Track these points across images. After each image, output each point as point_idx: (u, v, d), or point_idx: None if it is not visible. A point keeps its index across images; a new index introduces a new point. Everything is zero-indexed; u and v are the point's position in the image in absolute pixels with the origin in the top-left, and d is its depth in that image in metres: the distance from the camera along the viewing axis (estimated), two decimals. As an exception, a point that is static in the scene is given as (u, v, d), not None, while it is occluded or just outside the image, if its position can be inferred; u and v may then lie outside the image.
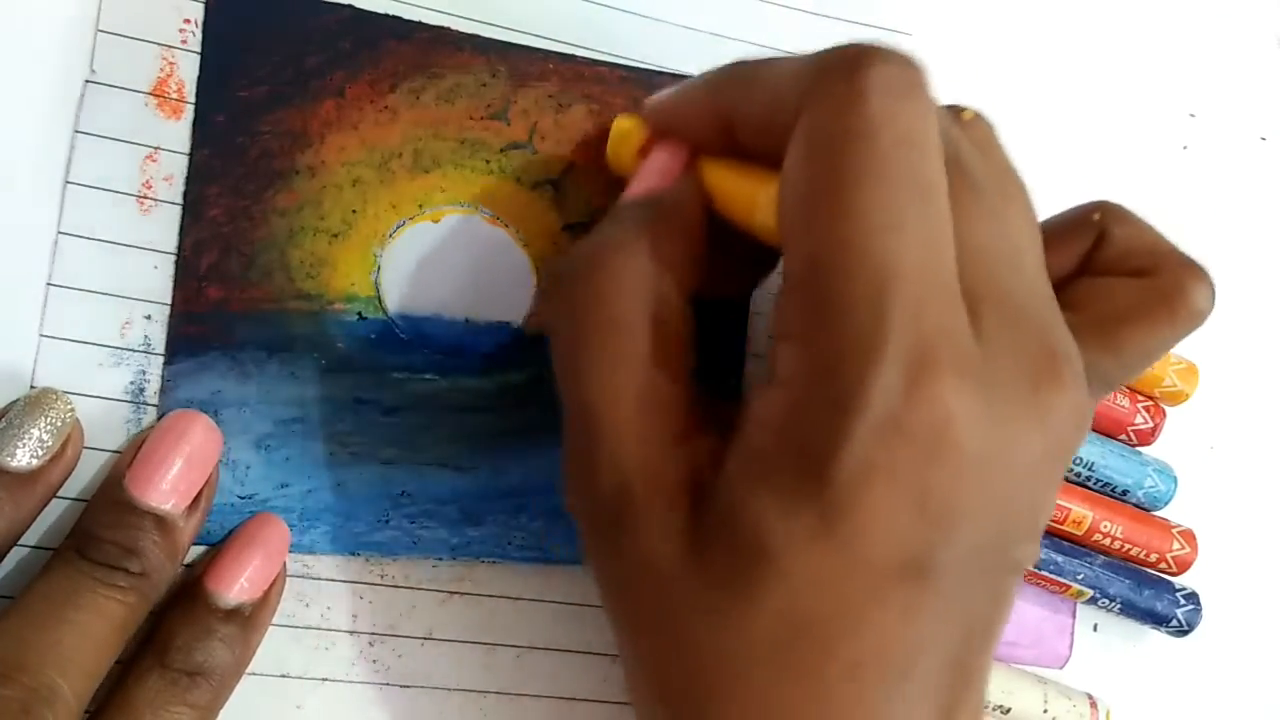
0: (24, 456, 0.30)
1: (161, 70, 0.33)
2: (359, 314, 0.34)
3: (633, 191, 0.31)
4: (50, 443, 0.30)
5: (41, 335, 0.32)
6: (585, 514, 0.29)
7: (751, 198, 0.28)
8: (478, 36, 0.35)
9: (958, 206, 0.25)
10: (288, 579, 0.34)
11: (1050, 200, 0.40)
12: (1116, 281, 0.31)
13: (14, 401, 0.31)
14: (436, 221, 0.35)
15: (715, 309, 0.32)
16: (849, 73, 0.24)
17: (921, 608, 0.24)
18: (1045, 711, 0.39)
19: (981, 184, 0.26)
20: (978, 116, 0.29)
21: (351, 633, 0.35)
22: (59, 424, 0.30)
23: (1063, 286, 0.31)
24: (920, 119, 0.25)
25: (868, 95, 0.24)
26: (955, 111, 0.29)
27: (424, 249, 0.35)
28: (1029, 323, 0.25)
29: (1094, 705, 0.39)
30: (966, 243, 0.25)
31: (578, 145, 0.36)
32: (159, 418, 0.32)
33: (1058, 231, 0.32)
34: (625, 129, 0.33)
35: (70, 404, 0.31)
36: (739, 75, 0.29)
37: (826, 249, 0.24)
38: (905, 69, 0.25)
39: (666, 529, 0.26)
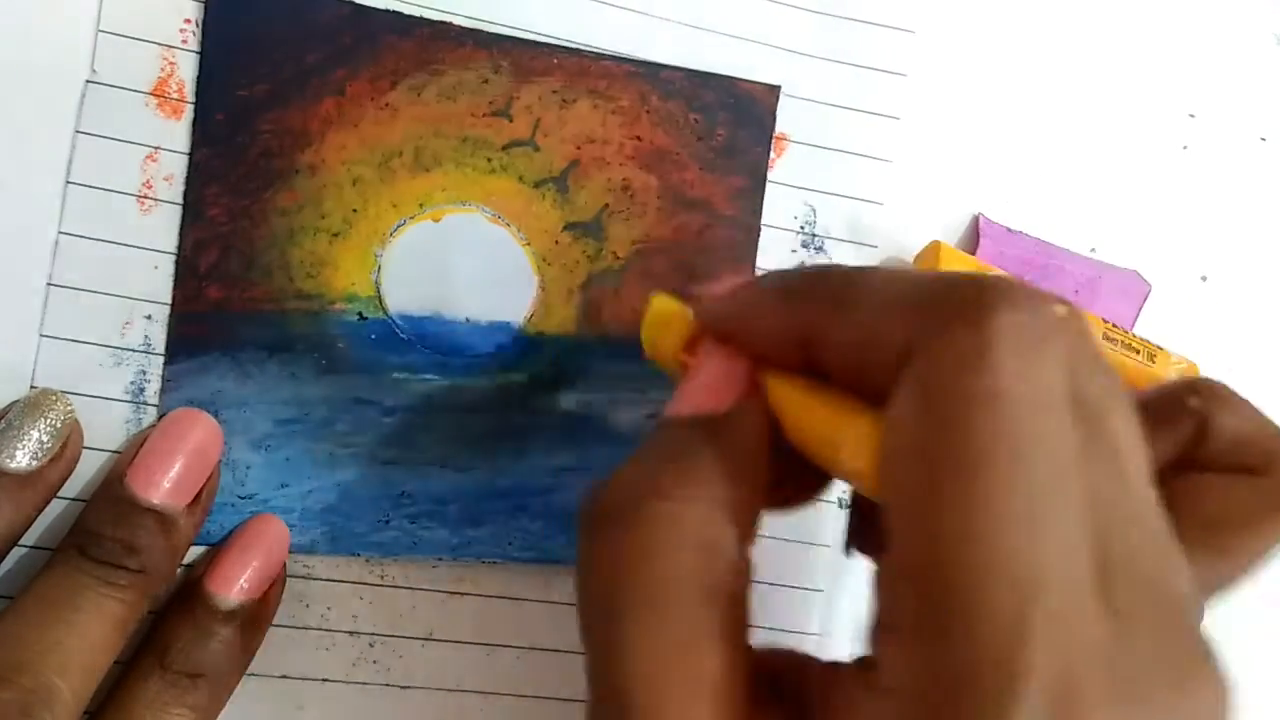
0: (23, 458, 0.30)
1: (162, 70, 0.33)
2: (359, 314, 0.34)
3: (682, 407, 0.26)
4: (49, 444, 0.30)
5: (42, 335, 0.32)
6: None
7: (836, 433, 0.24)
8: (480, 32, 0.35)
9: (1086, 459, 0.21)
10: (288, 579, 0.34)
11: (1050, 200, 0.41)
12: (1224, 480, 0.28)
13: (13, 403, 0.31)
14: (437, 221, 0.35)
15: None
16: (974, 319, 0.21)
17: None
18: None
19: (1097, 420, 0.22)
20: (1070, 312, 0.23)
21: (352, 633, 0.35)
22: (58, 425, 0.30)
23: (1163, 483, 0.25)
24: (1056, 377, 0.21)
25: (999, 349, 0.20)
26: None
27: (425, 248, 0.35)
28: (1163, 598, 0.21)
29: None
30: (1095, 503, 0.21)
31: (582, 142, 0.36)
32: (159, 418, 0.32)
33: (1153, 416, 0.27)
34: (667, 313, 0.28)
35: (69, 405, 0.31)
36: (828, 290, 0.25)
37: (954, 540, 0.20)
38: (1038, 314, 0.21)
39: None
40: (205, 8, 0.33)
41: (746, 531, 0.24)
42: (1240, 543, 0.27)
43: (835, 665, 0.23)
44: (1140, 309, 0.41)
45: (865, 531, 0.27)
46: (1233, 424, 0.28)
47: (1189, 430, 0.28)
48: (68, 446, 0.31)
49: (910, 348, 0.22)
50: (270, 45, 0.33)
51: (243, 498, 0.33)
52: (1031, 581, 0.19)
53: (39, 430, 0.30)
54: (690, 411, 0.25)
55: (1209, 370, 0.40)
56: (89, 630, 0.29)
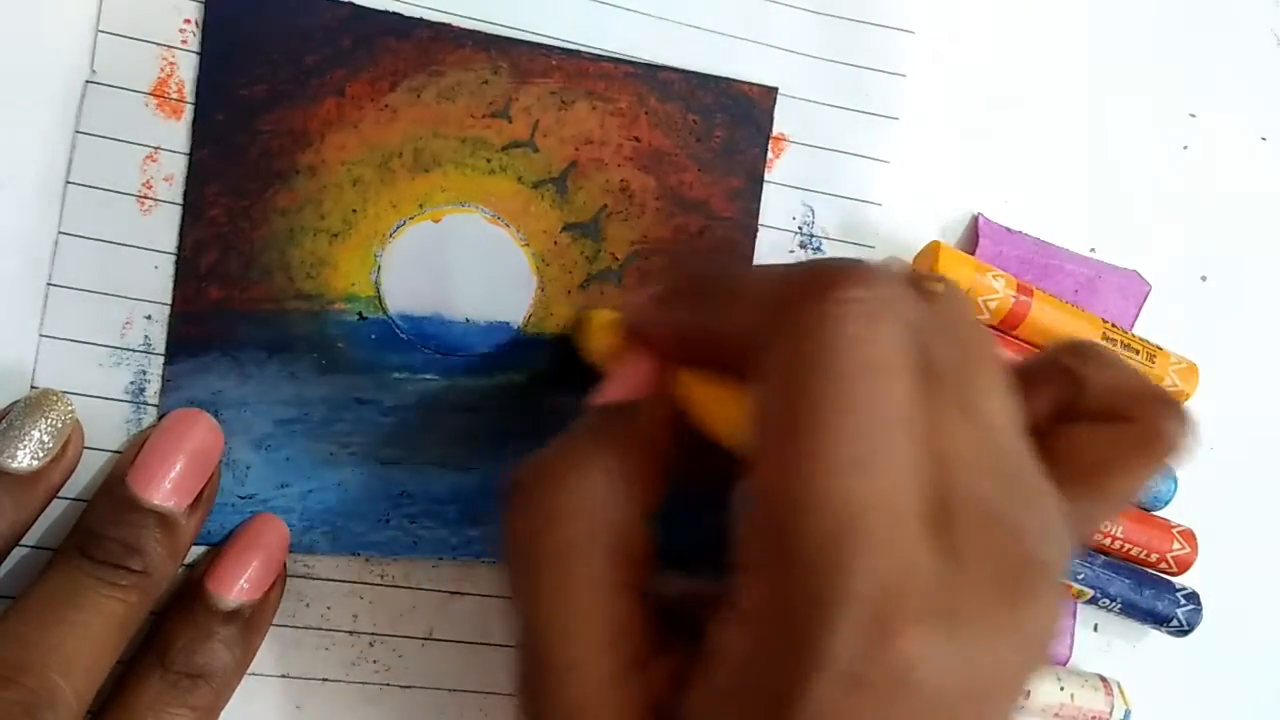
0: (25, 458, 0.30)
1: (162, 70, 0.33)
2: (359, 314, 0.34)
3: (601, 398, 0.30)
4: (51, 444, 0.30)
5: (41, 335, 0.32)
6: None
7: (722, 415, 0.28)
8: (479, 33, 0.35)
9: (929, 413, 0.24)
10: (288, 579, 0.34)
11: (1050, 200, 0.41)
12: (1095, 430, 0.30)
13: (14, 403, 0.31)
14: (437, 221, 0.35)
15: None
16: (815, 297, 0.24)
17: None
18: (1062, 689, 0.39)
19: (954, 381, 0.25)
20: (947, 289, 0.27)
21: (351, 633, 0.35)
22: (59, 425, 0.30)
23: (1043, 434, 0.29)
24: (888, 342, 0.24)
25: (833, 321, 0.23)
26: (923, 285, 0.27)
27: (424, 249, 0.35)
28: (1004, 532, 0.24)
29: (1105, 683, 0.40)
30: (938, 452, 0.24)
31: (581, 143, 0.36)
32: (159, 418, 0.32)
33: (1034, 378, 0.31)
34: (603, 322, 0.32)
35: (70, 405, 0.31)
36: (711, 289, 0.28)
37: (786, 484, 0.23)
38: (874, 289, 0.24)
39: None
40: (205, 8, 0.33)
41: (647, 499, 0.28)
42: (1113, 483, 0.30)
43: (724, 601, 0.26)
44: (1140, 309, 0.41)
45: None
46: (1104, 377, 0.31)
47: (1066, 387, 0.31)
48: (69, 447, 0.31)
49: (771, 328, 0.25)
50: (269, 46, 0.33)
51: (243, 498, 0.33)
52: (851, 515, 0.22)
53: (40, 430, 0.30)
54: (602, 401, 0.29)
55: (1209, 370, 0.40)
56: (91, 630, 0.29)
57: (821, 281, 0.24)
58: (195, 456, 0.31)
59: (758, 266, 0.28)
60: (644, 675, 0.26)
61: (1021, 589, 0.24)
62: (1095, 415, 0.30)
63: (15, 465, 0.30)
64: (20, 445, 0.30)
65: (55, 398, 0.31)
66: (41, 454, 0.30)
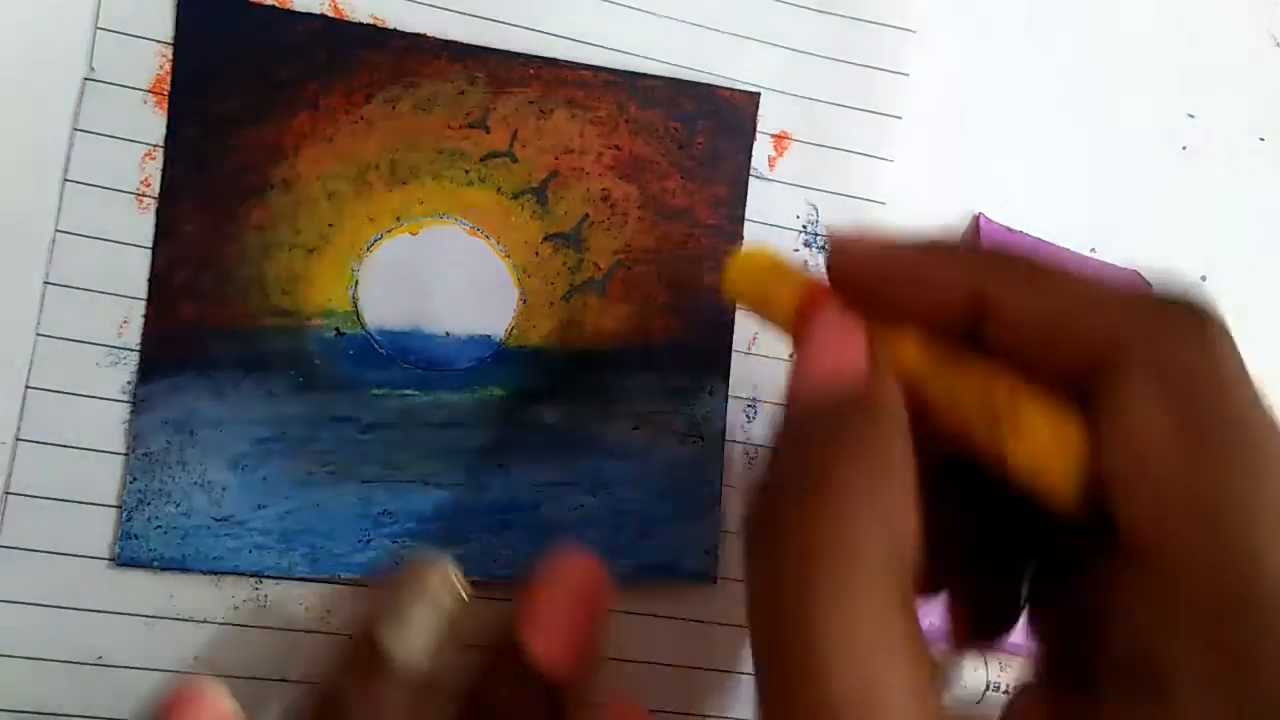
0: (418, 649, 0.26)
1: (160, 68, 0.33)
2: (337, 330, 0.34)
3: (808, 376, 0.24)
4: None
5: (39, 334, 0.32)
6: None
7: (1004, 418, 0.22)
8: (454, 43, 0.34)
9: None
10: (288, 580, 0.33)
11: (1050, 200, 0.40)
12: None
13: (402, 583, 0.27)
14: (415, 234, 0.34)
15: None
16: (1198, 315, 0.21)
17: None
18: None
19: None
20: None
21: (351, 634, 0.34)
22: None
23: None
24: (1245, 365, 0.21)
25: (1225, 342, 0.21)
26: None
27: (403, 262, 0.34)
28: None
29: None
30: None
31: (560, 152, 0.35)
32: (139, 433, 0.32)
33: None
34: (772, 266, 0.26)
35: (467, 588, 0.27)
36: (1015, 262, 0.24)
37: (1245, 561, 0.19)
38: (1221, 318, 0.22)
39: None
40: (175, 20, 0.33)
41: (917, 500, 0.22)
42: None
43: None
44: (1141, 311, 0.41)
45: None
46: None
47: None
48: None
49: (1124, 343, 0.21)
50: (241, 60, 0.33)
51: (218, 519, 0.33)
52: None
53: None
54: (829, 386, 0.24)
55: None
56: None
57: (1192, 300, 0.22)
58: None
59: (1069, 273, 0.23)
60: (935, 702, 0.21)
61: None
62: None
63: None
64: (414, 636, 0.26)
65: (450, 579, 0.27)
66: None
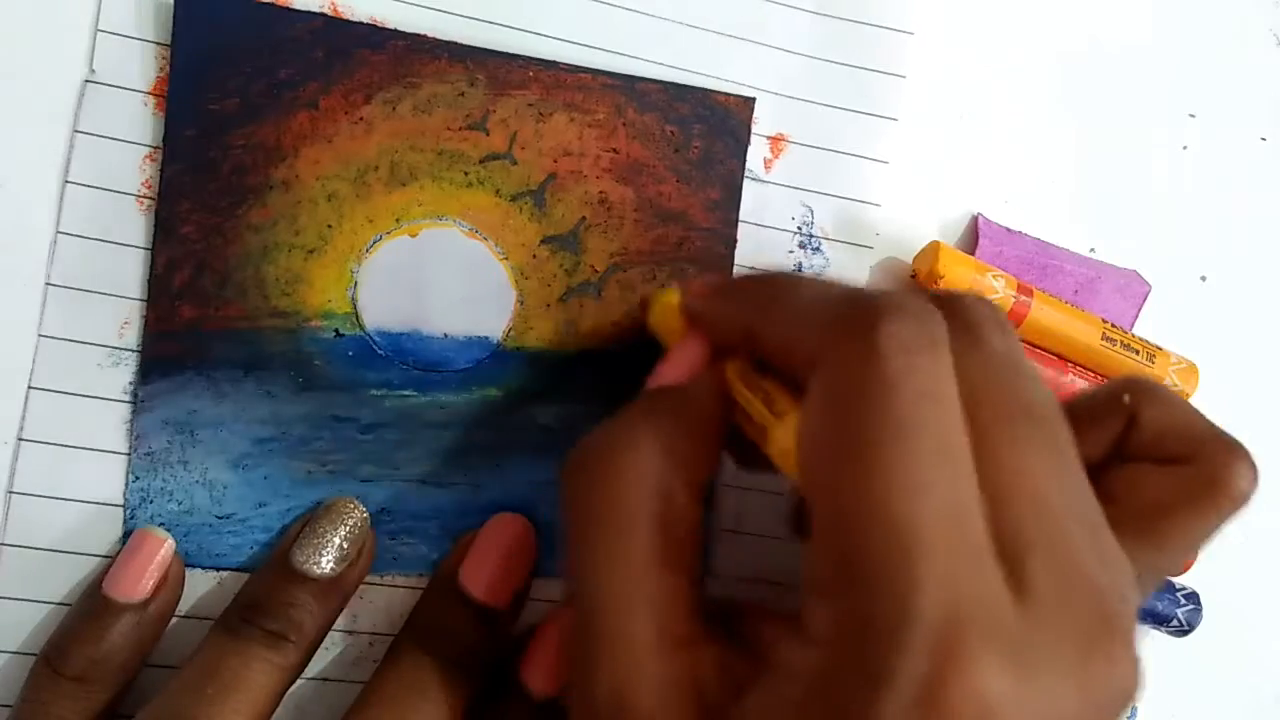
0: (328, 564, 0.32)
1: (160, 70, 0.33)
2: (336, 331, 0.34)
3: (656, 379, 0.30)
4: (349, 550, 0.33)
5: (40, 335, 0.32)
6: (582, 714, 0.27)
7: (765, 427, 0.28)
8: (454, 44, 0.34)
9: (988, 444, 0.24)
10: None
11: (1050, 200, 0.40)
12: (1153, 470, 0.30)
13: (312, 511, 0.33)
14: (414, 236, 0.34)
15: None
16: (865, 329, 0.24)
17: None
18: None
19: (1011, 413, 0.25)
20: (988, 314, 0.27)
21: (351, 633, 0.34)
22: (356, 532, 0.33)
23: (1095, 475, 0.28)
24: (937, 374, 0.24)
25: (884, 353, 0.24)
26: (967, 324, 0.27)
27: (402, 264, 0.34)
28: (1081, 579, 0.24)
29: None
30: (1007, 485, 0.24)
31: (559, 155, 0.35)
32: (141, 433, 0.32)
33: (1087, 415, 0.30)
34: (669, 303, 0.32)
35: (365, 513, 0.33)
36: (763, 295, 0.29)
37: (851, 508, 0.23)
38: (921, 323, 0.25)
39: None
40: (173, 21, 0.33)
41: (697, 480, 0.28)
42: (1170, 529, 0.29)
43: (779, 616, 0.27)
44: (1140, 309, 0.41)
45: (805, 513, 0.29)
46: (1159, 416, 0.30)
47: (1120, 424, 0.30)
48: (363, 553, 0.33)
49: (819, 354, 0.25)
50: (240, 59, 0.33)
51: (220, 517, 0.33)
52: (915, 538, 0.22)
53: (340, 537, 0.32)
54: (659, 383, 0.30)
55: (1209, 370, 0.40)
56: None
57: (869, 314, 0.25)
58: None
59: (815, 281, 0.28)
60: (686, 654, 0.26)
61: (1098, 648, 0.23)
62: (1152, 456, 0.30)
63: (319, 571, 0.32)
64: (323, 552, 0.32)
65: (351, 506, 0.33)
66: (342, 560, 0.32)
